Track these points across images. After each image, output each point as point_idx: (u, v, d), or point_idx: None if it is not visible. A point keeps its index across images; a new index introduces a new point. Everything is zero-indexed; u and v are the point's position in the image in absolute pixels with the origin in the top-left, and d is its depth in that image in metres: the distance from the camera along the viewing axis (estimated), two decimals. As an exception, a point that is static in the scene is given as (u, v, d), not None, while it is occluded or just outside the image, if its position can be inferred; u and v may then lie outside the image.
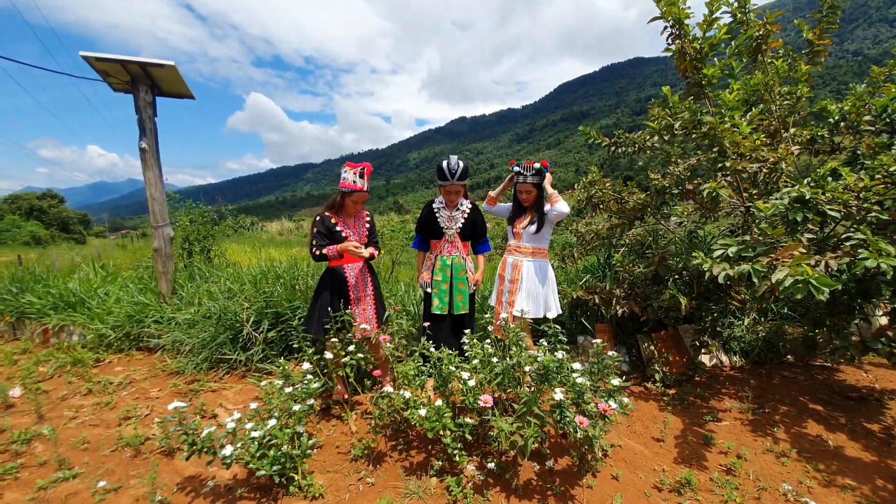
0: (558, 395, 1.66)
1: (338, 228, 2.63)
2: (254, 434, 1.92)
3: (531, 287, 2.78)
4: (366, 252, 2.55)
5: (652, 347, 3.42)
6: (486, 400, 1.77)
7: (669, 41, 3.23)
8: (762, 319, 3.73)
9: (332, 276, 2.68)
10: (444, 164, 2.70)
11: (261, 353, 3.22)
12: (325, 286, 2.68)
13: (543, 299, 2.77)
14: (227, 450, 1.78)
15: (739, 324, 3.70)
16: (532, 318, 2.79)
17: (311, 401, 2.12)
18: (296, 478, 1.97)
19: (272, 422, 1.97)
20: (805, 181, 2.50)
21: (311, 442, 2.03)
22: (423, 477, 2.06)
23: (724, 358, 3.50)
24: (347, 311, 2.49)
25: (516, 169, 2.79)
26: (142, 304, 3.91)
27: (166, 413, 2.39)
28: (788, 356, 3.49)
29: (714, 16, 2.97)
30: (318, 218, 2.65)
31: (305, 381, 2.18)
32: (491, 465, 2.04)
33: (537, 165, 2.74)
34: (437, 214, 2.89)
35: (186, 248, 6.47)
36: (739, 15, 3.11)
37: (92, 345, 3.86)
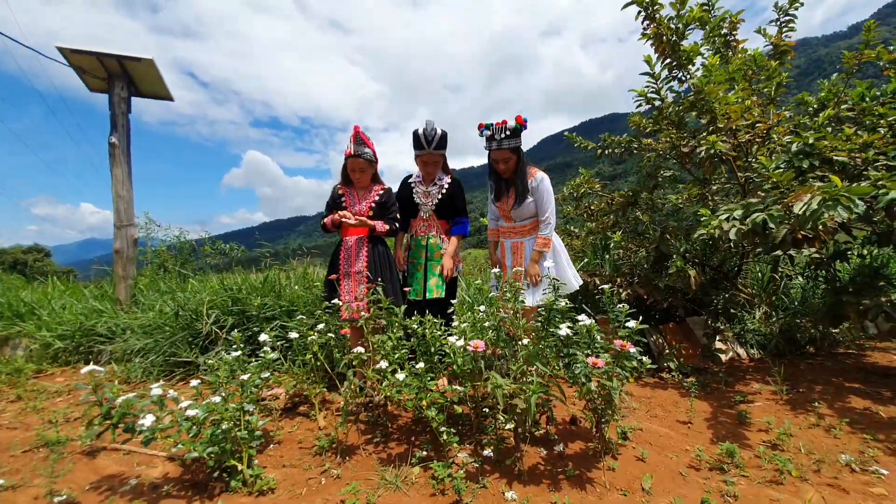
0: (563, 329, 1.33)
1: (342, 199, 2.49)
2: (189, 412, 1.52)
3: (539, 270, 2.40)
4: (352, 219, 2.31)
5: (661, 340, 3.08)
6: (476, 345, 1.43)
7: (644, 26, 3.24)
8: (774, 314, 3.45)
9: (334, 251, 2.53)
10: (420, 130, 2.42)
11: (224, 352, 2.79)
12: (330, 260, 2.56)
13: (561, 276, 2.36)
14: (147, 420, 1.39)
15: (751, 318, 3.41)
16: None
17: (266, 373, 1.74)
18: (240, 467, 1.54)
19: (216, 399, 1.58)
20: (806, 133, 2.37)
21: (261, 423, 1.62)
22: (402, 467, 1.64)
23: (741, 351, 3.16)
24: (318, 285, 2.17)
25: (486, 133, 2.28)
26: (96, 312, 3.49)
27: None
28: (808, 347, 3.17)
29: None
30: (333, 189, 2.57)
31: (262, 353, 1.81)
32: (488, 453, 1.64)
33: (511, 124, 2.24)
34: (413, 189, 2.62)
35: (161, 276, 6.10)
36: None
37: (37, 357, 3.38)
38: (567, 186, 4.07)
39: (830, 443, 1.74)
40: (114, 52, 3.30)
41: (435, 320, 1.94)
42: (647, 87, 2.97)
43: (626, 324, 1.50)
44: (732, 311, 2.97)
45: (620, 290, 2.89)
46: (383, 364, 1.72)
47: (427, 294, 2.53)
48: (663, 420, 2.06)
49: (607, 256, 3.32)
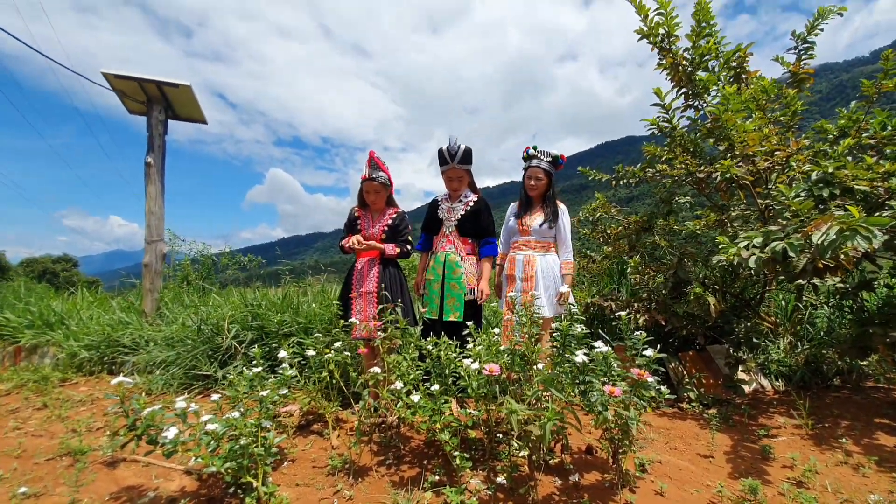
0: (580, 356, 1.33)
1: (358, 222, 2.59)
2: (209, 427, 1.56)
3: (549, 285, 2.44)
4: (362, 244, 2.40)
5: (681, 368, 3.01)
6: (491, 369, 1.43)
7: (660, 57, 3.30)
8: (799, 343, 3.34)
9: (348, 272, 2.63)
10: (445, 146, 2.49)
11: (242, 368, 2.85)
12: (345, 280, 2.66)
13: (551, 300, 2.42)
14: (171, 432, 1.43)
15: (775, 348, 3.31)
16: (551, 317, 2.41)
17: (284, 390, 1.77)
18: (255, 484, 1.56)
19: (235, 414, 1.62)
20: (826, 161, 2.35)
21: (277, 440, 1.64)
22: (414, 491, 1.63)
23: (764, 382, 3.06)
24: (336, 303, 2.23)
25: (531, 152, 2.57)
26: (122, 323, 3.61)
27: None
28: (835, 379, 3.04)
29: (702, 25, 3.05)
30: (350, 211, 2.69)
31: (280, 370, 1.85)
32: (501, 480, 1.62)
33: (554, 152, 2.54)
34: (439, 206, 2.64)
35: (185, 289, 6.29)
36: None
37: (64, 366, 3.50)
38: (583, 210, 4.08)
39: (858, 482, 1.66)
40: (154, 78, 3.52)
41: (450, 342, 1.95)
42: (659, 116, 3.01)
43: (644, 352, 1.49)
44: (755, 340, 2.89)
45: (638, 316, 2.85)
46: (398, 385, 1.74)
47: (444, 315, 2.48)
48: (683, 453, 2.00)
49: (624, 281, 3.29)
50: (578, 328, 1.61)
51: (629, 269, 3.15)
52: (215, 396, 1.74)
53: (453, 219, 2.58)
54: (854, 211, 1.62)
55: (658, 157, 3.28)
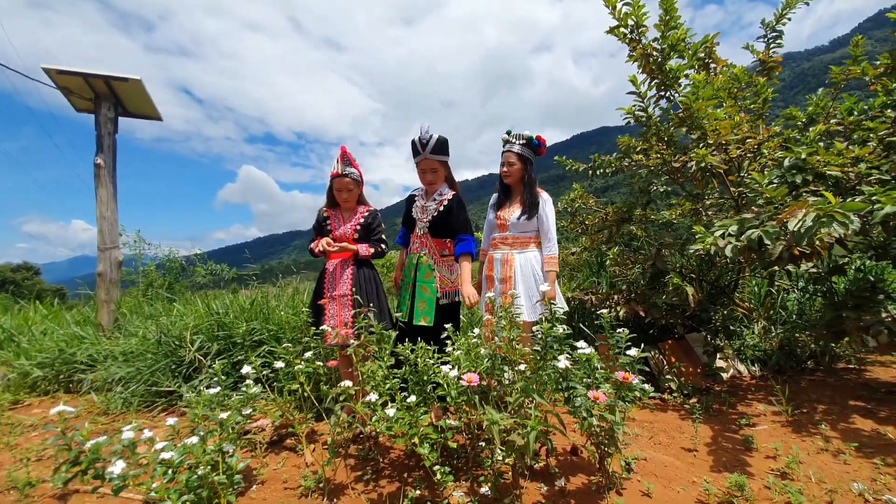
0: (563, 362, 1.26)
1: (327, 221, 2.45)
2: (164, 455, 1.41)
3: (530, 285, 2.34)
4: (333, 247, 2.26)
5: (661, 357, 3.01)
6: (469, 379, 1.34)
7: (630, 49, 3.26)
8: (772, 328, 3.41)
9: (320, 274, 2.47)
10: (416, 136, 2.31)
11: (207, 383, 2.67)
12: (316, 282, 2.49)
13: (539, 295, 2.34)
14: (117, 467, 1.28)
15: (750, 333, 3.36)
16: (531, 321, 2.33)
17: (248, 409, 1.64)
18: (218, 515, 1.43)
19: (193, 439, 1.48)
20: (798, 148, 2.36)
21: (241, 465, 1.51)
22: (394, 508, 1.54)
23: (741, 367, 3.09)
24: (306, 310, 2.09)
25: (504, 137, 2.44)
26: (78, 338, 3.35)
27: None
28: (809, 362, 3.11)
29: (669, 16, 3.00)
30: (318, 212, 2.52)
31: (244, 387, 1.71)
32: (485, 490, 1.54)
33: (527, 133, 2.39)
34: (414, 203, 2.51)
35: (149, 297, 5.96)
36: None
37: (15, 386, 3.23)
38: (562, 201, 4.05)
39: (840, 469, 1.67)
40: (101, 73, 3.24)
41: (427, 347, 1.85)
42: (635, 105, 2.97)
43: (628, 351, 1.43)
44: (732, 327, 2.92)
45: (618, 308, 2.82)
46: (373, 396, 1.63)
47: (413, 319, 2.34)
48: (668, 448, 1.97)
49: (603, 273, 3.27)
50: (560, 328, 1.54)
51: (608, 262, 3.11)
52: (171, 420, 1.58)
53: (425, 219, 2.41)
54: (830, 197, 1.60)
55: (633, 147, 3.26)
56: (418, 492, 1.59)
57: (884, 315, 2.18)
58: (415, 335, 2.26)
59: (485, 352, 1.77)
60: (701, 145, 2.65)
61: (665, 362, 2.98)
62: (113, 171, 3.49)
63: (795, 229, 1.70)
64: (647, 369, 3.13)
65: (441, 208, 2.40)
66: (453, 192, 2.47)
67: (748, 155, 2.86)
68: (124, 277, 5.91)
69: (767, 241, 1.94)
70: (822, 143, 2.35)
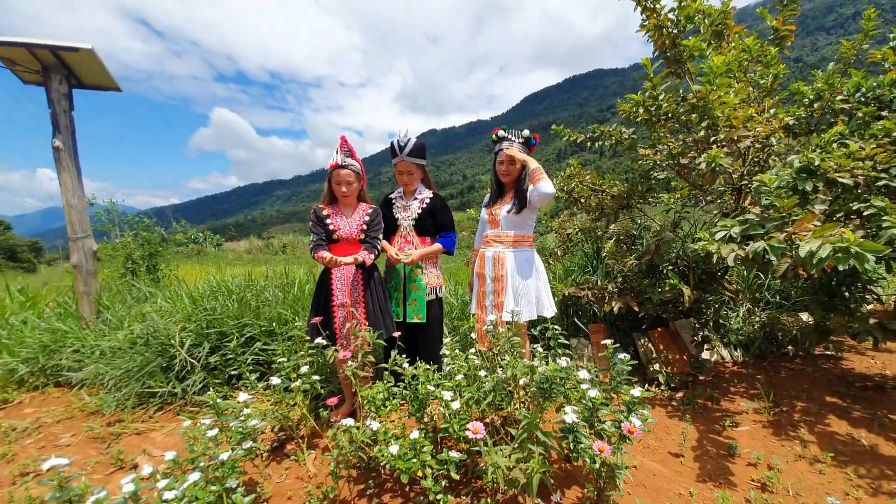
0: (570, 416, 1.26)
1: (328, 221, 2.29)
2: (167, 495, 1.41)
3: (519, 284, 2.32)
4: (341, 260, 2.15)
5: (650, 345, 3.09)
6: (475, 430, 1.34)
7: (644, 17, 3.00)
8: (756, 310, 3.50)
9: (322, 276, 2.37)
10: (396, 138, 2.38)
11: (200, 382, 2.66)
12: (319, 286, 2.38)
13: (536, 296, 2.32)
14: (120, 526, 1.27)
15: (734, 315, 3.46)
16: (526, 321, 2.36)
17: (249, 443, 1.62)
18: (227, 552, 1.46)
19: (194, 475, 1.47)
20: (811, 148, 2.26)
21: (247, 500, 1.52)
22: (398, 530, 1.59)
23: (724, 353, 3.21)
24: (297, 326, 2.02)
25: (500, 134, 2.38)
26: (59, 332, 3.25)
27: (75, 465, 1.86)
28: (789, 347, 3.24)
29: None
30: (312, 210, 2.36)
31: (242, 418, 1.68)
32: (484, 507, 1.60)
33: (526, 132, 2.36)
34: (394, 204, 2.53)
35: (130, 268, 5.76)
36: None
37: (2, 382, 3.17)
38: (557, 176, 3.92)
39: (816, 480, 1.78)
40: (46, 43, 2.83)
41: (427, 368, 1.84)
42: (645, 92, 2.77)
43: (632, 391, 1.44)
44: (722, 321, 2.98)
45: (612, 303, 2.84)
46: (374, 425, 1.63)
47: (407, 318, 2.48)
48: (656, 452, 2.07)
49: (599, 265, 3.25)
50: (563, 362, 1.52)
51: (606, 255, 3.08)
52: (171, 454, 1.56)
53: (410, 217, 2.49)
54: (849, 234, 1.55)
55: (633, 117, 3.08)
56: (421, 510, 1.64)
57: (872, 321, 2.24)
58: (408, 332, 2.48)
59: (485, 374, 1.77)
60: (712, 140, 2.52)
61: (653, 350, 3.08)
62: (74, 153, 3.18)
63: (805, 255, 1.66)
64: (636, 361, 3.25)
65: (424, 206, 2.52)
66: (433, 192, 2.57)
67: (756, 145, 2.75)
68: (96, 228, 5.65)
69: (772, 257, 1.91)
70: (835, 145, 2.25)
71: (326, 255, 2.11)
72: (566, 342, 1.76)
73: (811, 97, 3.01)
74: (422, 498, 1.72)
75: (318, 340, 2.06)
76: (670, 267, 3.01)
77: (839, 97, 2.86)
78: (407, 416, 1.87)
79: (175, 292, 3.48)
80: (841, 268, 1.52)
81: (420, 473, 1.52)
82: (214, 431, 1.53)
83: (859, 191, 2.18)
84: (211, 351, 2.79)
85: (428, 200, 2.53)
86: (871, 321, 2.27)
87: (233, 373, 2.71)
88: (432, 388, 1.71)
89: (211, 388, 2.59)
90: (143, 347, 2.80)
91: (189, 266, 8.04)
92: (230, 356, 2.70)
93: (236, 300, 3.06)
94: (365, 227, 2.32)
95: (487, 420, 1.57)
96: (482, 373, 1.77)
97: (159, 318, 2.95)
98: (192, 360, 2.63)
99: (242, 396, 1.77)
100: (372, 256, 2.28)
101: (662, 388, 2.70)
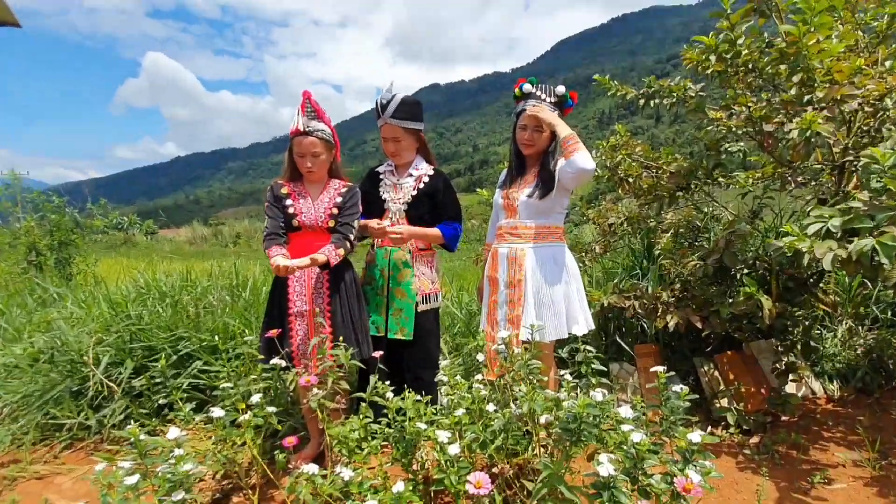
0: (606, 466, 1.24)
1: (288, 202, 2.26)
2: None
3: (542, 290, 2.30)
4: (296, 264, 2.08)
5: (716, 374, 3.08)
6: (479, 482, 1.33)
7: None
8: (860, 330, 3.48)
9: (278, 276, 2.31)
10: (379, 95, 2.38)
11: (121, 412, 2.68)
12: (273, 289, 2.38)
13: (565, 307, 2.30)
14: None
15: (830, 336, 3.43)
16: (552, 341, 2.35)
17: (182, 494, 1.63)
18: None
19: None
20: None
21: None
22: None
23: (815, 385, 3.20)
24: (247, 341, 2.02)
25: (526, 88, 2.29)
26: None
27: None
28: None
29: None
30: (269, 188, 2.36)
31: (173, 460, 1.68)
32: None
33: (561, 89, 2.29)
34: (382, 180, 2.51)
35: (34, 262, 5.83)
36: None
37: None
38: (598, 148, 3.90)
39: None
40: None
41: (418, 399, 1.84)
42: (719, 34, 2.74)
43: (690, 435, 1.42)
44: (813, 343, 2.96)
45: (668, 317, 2.83)
46: (346, 473, 1.63)
47: (389, 332, 2.46)
48: (720, 515, 2.07)
49: (651, 266, 3.23)
50: (598, 395, 1.51)
51: (660, 253, 3.07)
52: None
53: (401, 200, 2.44)
54: None
55: (704, 68, 3.04)
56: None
57: None
58: (390, 351, 2.39)
59: (494, 409, 1.77)
60: (806, 100, 2.49)
61: (721, 380, 3.06)
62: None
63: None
64: (694, 378, 3.24)
65: (421, 185, 2.47)
66: (434, 167, 2.54)
67: (866, 107, 2.71)
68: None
69: (884, 260, 1.88)
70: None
71: (279, 260, 2.04)
72: (603, 368, 1.74)
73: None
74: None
75: (275, 361, 2.06)
76: (746, 271, 2.98)
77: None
78: (390, 461, 1.88)
79: (91, 294, 3.51)
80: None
81: (406, 538, 1.52)
82: (135, 478, 1.54)
83: None
84: (135, 372, 2.82)
85: (426, 179, 2.48)
86: None
87: (162, 401, 2.72)
88: (423, 427, 1.71)
89: (133, 421, 2.61)
90: (48, 366, 2.83)
91: (112, 260, 8.11)
92: (159, 379, 2.71)
93: (170, 306, 3.08)
94: (335, 210, 2.28)
95: (496, 469, 1.57)
96: (490, 407, 1.77)
97: (69, 328, 2.98)
98: (111, 384, 2.66)
99: (174, 432, 1.78)
100: (340, 252, 2.20)
101: (732, 430, 2.70)
